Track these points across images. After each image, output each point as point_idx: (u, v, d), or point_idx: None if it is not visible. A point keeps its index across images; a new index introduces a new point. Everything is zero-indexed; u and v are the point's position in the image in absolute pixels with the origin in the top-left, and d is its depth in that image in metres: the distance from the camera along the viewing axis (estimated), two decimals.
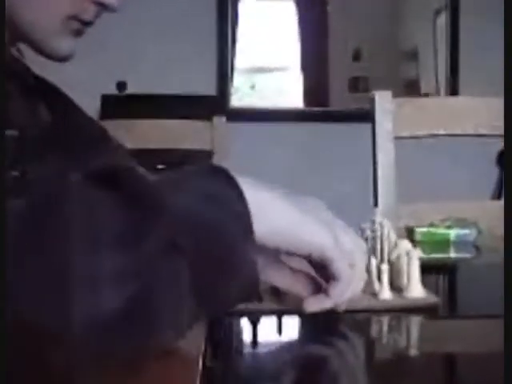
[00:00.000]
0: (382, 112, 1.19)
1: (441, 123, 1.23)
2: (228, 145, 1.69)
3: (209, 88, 3.37)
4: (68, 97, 0.86)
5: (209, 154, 1.70)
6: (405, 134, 1.22)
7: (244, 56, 3.53)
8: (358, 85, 3.57)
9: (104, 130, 0.89)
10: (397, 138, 1.23)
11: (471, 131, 1.25)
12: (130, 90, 3.18)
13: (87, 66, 3.23)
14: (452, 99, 1.34)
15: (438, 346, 0.61)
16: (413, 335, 0.68)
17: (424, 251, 0.99)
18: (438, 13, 3.62)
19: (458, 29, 3.56)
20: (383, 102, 1.20)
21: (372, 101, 1.21)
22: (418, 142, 1.28)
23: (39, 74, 0.84)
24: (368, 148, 1.24)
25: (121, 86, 3.11)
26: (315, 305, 0.59)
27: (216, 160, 1.66)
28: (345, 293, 0.59)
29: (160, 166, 2.76)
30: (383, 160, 1.19)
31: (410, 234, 1.09)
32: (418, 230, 1.09)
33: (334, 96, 3.58)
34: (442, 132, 1.23)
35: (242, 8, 3.51)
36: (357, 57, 3.58)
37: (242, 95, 3.58)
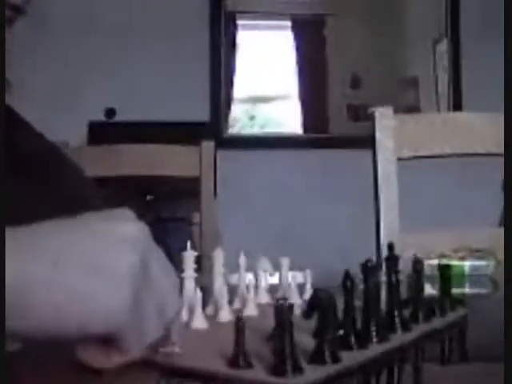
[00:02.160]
0: (382, 130, 1.07)
1: (447, 141, 1.10)
2: (215, 171, 1.57)
3: (202, 116, 3.29)
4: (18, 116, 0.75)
5: (197, 181, 1.58)
6: (408, 153, 1.09)
7: (243, 86, 3.49)
8: (357, 113, 3.53)
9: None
10: (399, 160, 1.10)
11: (480, 149, 1.12)
12: (120, 117, 3.08)
13: (75, 92, 3.15)
14: (458, 115, 1.22)
15: None
16: None
17: (434, 287, 0.85)
18: (437, 40, 3.58)
19: (459, 55, 3.49)
20: (384, 118, 1.08)
21: (372, 118, 1.09)
22: (422, 162, 1.16)
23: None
24: (369, 174, 1.11)
25: (109, 112, 3.01)
26: (107, 362, 0.48)
27: (204, 187, 1.54)
28: (142, 344, 0.48)
29: (149, 197, 2.61)
30: (385, 182, 1.06)
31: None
32: (427, 262, 0.95)
33: (333, 124, 3.53)
34: (448, 151, 1.10)
35: (240, 38, 3.47)
36: (355, 85, 3.53)
37: (241, 126, 3.53)
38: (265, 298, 0.73)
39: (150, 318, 0.47)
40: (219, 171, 2.24)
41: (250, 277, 0.72)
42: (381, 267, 0.68)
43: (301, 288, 0.74)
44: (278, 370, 0.50)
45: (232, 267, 0.92)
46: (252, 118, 3.58)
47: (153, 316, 0.47)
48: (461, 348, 0.69)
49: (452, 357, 0.64)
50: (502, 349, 0.59)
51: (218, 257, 0.70)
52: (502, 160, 1.15)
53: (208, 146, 1.57)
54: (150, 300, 0.47)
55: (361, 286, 0.60)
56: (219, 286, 0.68)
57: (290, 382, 0.50)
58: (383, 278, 0.64)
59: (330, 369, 0.53)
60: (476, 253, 0.95)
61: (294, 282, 0.71)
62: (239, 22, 3.51)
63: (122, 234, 0.45)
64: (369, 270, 0.60)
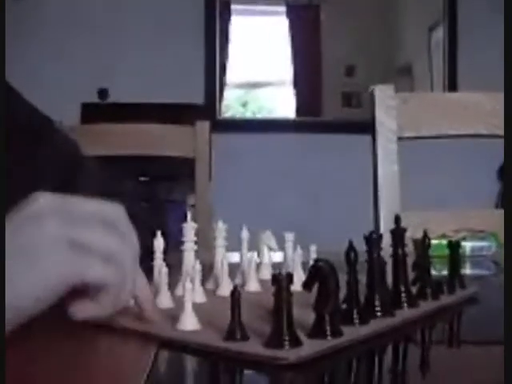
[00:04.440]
0: (383, 108, 1.04)
1: (450, 121, 1.08)
2: (210, 152, 1.54)
3: (196, 99, 3.26)
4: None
5: (192, 163, 1.55)
6: (409, 133, 1.07)
7: (236, 72, 3.46)
8: (350, 100, 3.50)
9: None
10: (400, 139, 1.08)
11: (483, 130, 1.09)
12: (113, 98, 3.04)
13: (71, 72, 3.12)
14: (462, 94, 1.19)
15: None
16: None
17: (435, 267, 0.83)
18: (433, 27, 3.56)
19: (456, 43, 3.47)
20: (385, 97, 1.05)
21: (372, 96, 1.06)
22: (423, 143, 1.13)
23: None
24: (367, 158, 1.08)
25: (102, 93, 2.96)
26: (82, 312, 0.52)
27: (198, 167, 1.51)
28: (114, 303, 0.52)
29: (142, 179, 2.57)
30: (385, 163, 1.03)
31: (417, 246, 0.94)
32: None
33: (327, 111, 3.51)
34: (451, 132, 1.07)
35: (234, 24, 3.43)
36: (350, 72, 3.51)
37: (234, 113, 3.51)
38: (268, 275, 0.69)
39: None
40: (214, 154, 2.22)
41: (251, 253, 0.70)
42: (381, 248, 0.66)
43: (305, 266, 0.71)
44: (273, 342, 0.48)
45: (228, 248, 0.89)
46: (244, 104, 3.55)
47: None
48: (466, 328, 0.67)
49: (459, 338, 0.62)
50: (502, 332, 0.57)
51: (220, 230, 0.67)
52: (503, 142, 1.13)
53: (203, 126, 1.54)
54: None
55: (364, 258, 0.57)
56: (220, 260, 0.65)
57: (283, 355, 0.47)
58: (389, 251, 0.62)
59: (330, 343, 0.50)
60: (477, 234, 0.93)
61: (299, 258, 0.68)
62: (234, 7, 3.47)
63: (29, 213, 0.49)
64: (373, 241, 0.58)
